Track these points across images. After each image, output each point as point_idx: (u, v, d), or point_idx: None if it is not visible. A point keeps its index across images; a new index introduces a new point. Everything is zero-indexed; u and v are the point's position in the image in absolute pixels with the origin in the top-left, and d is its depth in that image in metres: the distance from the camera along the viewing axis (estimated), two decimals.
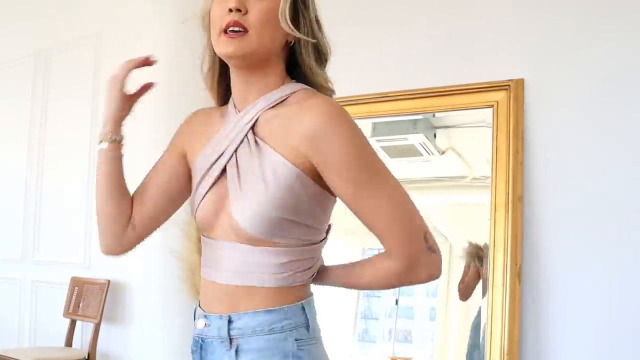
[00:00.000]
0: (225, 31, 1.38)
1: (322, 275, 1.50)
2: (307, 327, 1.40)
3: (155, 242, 4.60)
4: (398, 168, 3.83)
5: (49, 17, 5.61)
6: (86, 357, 4.61)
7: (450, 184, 3.80)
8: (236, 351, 1.36)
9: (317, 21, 1.47)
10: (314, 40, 1.45)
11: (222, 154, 1.43)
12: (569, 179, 3.21)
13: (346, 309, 3.95)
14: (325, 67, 1.51)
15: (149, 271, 4.18)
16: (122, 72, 1.53)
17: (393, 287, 1.47)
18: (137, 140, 4.48)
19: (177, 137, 1.62)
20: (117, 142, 1.54)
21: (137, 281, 4.49)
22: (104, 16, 5.19)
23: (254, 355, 1.35)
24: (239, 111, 1.46)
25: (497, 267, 3.26)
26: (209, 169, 1.44)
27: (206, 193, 1.44)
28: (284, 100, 1.43)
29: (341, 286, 1.52)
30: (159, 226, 1.61)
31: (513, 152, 3.31)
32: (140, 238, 1.59)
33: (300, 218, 1.37)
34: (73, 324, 4.91)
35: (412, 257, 1.37)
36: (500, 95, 3.39)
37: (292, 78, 1.49)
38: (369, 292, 4.00)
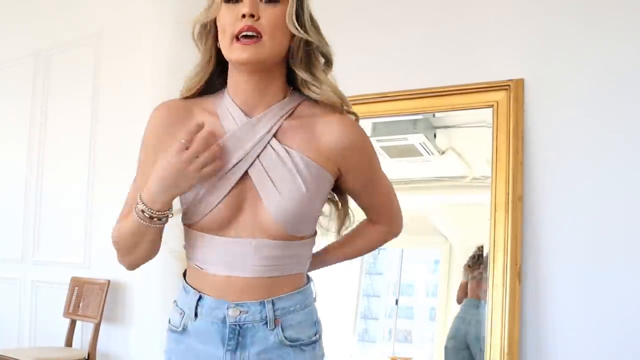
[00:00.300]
0: (237, 37, 1.46)
1: (317, 260, 1.76)
2: (315, 300, 1.67)
3: None
4: (398, 168, 3.83)
5: (49, 17, 5.61)
6: (86, 357, 4.62)
7: (450, 184, 3.80)
8: (281, 328, 1.55)
9: (313, 22, 1.56)
10: (314, 40, 1.54)
11: (242, 159, 1.51)
12: (569, 179, 3.21)
13: (346, 309, 3.95)
14: (330, 68, 1.62)
15: (149, 271, 4.17)
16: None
17: (379, 246, 1.85)
18: (138, 141, 4.49)
19: (160, 140, 1.60)
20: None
21: (137, 281, 4.49)
22: (104, 16, 5.19)
23: (295, 328, 1.58)
24: (249, 117, 1.54)
25: (497, 267, 3.26)
26: (225, 173, 1.51)
27: (225, 196, 1.51)
28: (294, 110, 1.58)
29: (333, 263, 1.83)
30: None
31: (513, 152, 3.31)
32: None
33: (320, 213, 1.62)
34: (73, 324, 4.91)
35: (399, 224, 1.82)
36: (500, 95, 3.39)
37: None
38: (369, 292, 4.00)
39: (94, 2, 5.29)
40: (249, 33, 1.45)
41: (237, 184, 1.51)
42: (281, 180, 1.50)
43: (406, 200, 3.94)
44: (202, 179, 1.46)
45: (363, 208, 1.75)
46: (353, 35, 3.86)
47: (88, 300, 4.81)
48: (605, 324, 3.07)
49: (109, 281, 4.71)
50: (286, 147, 1.52)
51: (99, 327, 4.65)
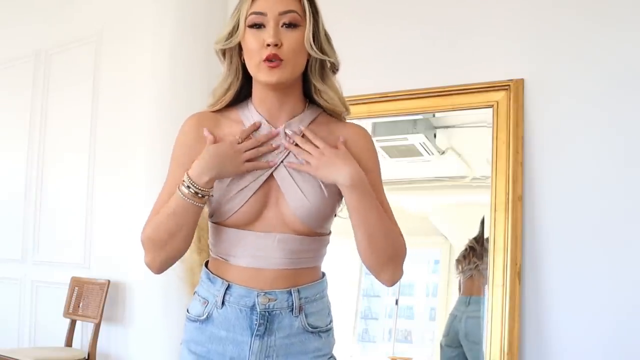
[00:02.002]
0: (263, 60, 1.64)
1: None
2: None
3: None
4: (398, 168, 3.84)
5: (49, 17, 5.63)
6: (86, 357, 4.62)
7: (450, 184, 3.81)
8: (305, 315, 1.70)
9: (328, 38, 1.74)
10: (332, 59, 1.73)
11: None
12: (568, 179, 3.22)
13: (346, 309, 3.95)
14: (335, 74, 1.79)
15: (149, 271, 4.18)
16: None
17: (391, 252, 1.70)
18: (139, 140, 4.49)
19: (191, 149, 1.73)
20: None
21: (137, 281, 4.49)
22: (104, 16, 5.20)
23: (316, 315, 1.73)
24: (273, 124, 1.73)
25: (497, 267, 3.27)
26: (258, 176, 1.68)
27: (253, 194, 1.67)
28: (314, 119, 1.77)
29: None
30: None
31: (513, 152, 3.31)
32: None
33: (335, 212, 1.76)
34: (73, 324, 4.91)
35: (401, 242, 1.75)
36: (500, 95, 3.40)
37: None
38: (369, 292, 4.00)
39: (94, 2, 5.30)
40: (274, 60, 1.62)
41: (263, 183, 1.68)
42: (304, 182, 1.68)
43: (406, 200, 3.96)
44: (244, 170, 1.66)
45: None
46: (354, 35, 3.86)
47: (88, 301, 4.81)
48: (604, 323, 3.07)
49: (108, 281, 4.72)
50: None
51: (99, 327, 4.66)
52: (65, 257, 5.27)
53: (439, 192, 3.87)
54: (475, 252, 3.54)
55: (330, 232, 1.80)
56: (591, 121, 3.19)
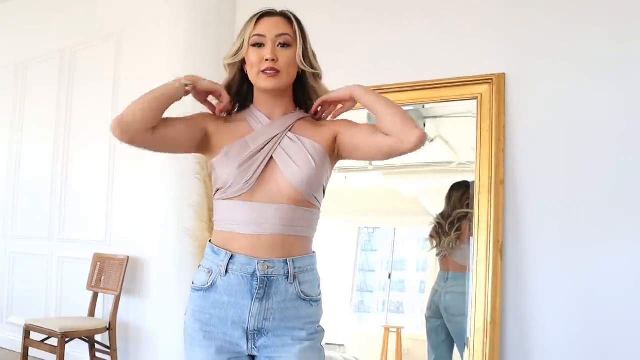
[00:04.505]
0: (262, 71, 1.91)
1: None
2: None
3: (171, 221, 4.58)
4: None
5: (74, 18, 5.66)
6: (107, 326, 4.65)
7: (439, 169, 3.81)
8: (298, 282, 1.86)
9: (314, 54, 1.99)
10: (317, 72, 1.99)
11: (267, 144, 1.89)
12: (546, 164, 3.23)
13: (344, 282, 3.97)
14: (320, 79, 2.03)
15: (165, 248, 4.21)
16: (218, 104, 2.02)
17: (409, 117, 1.89)
18: None
19: (204, 117, 2.01)
20: (188, 91, 1.95)
21: (154, 257, 4.51)
22: (123, 17, 5.23)
23: (308, 284, 1.89)
24: (270, 119, 1.97)
25: (481, 244, 3.28)
26: (256, 153, 1.87)
27: (256, 170, 1.86)
28: (301, 118, 2.01)
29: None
30: (159, 149, 1.97)
31: (495, 140, 3.32)
32: (145, 142, 1.89)
33: (325, 184, 1.96)
34: (95, 296, 4.94)
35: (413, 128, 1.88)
36: (483, 88, 3.40)
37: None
38: (364, 267, 4.02)
39: (115, 5, 5.31)
40: (271, 72, 1.89)
41: (263, 162, 1.87)
42: (297, 157, 1.87)
43: (399, 184, 3.97)
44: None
45: (370, 143, 1.94)
46: (346, 31, 3.86)
47: (109, 275, 4.84)
48: (581, 294, 3.09)
49: (128, 257, 4.75)
50: (298, 136, 1.92)
51: (119, 299, 4.69)
52: (88, 235, 5.30)
53: (429, 176, 3.87)
54: (442, 228, 3.56)
55: (319, 207, 1.96)
56: (566, 111, 3.20)
